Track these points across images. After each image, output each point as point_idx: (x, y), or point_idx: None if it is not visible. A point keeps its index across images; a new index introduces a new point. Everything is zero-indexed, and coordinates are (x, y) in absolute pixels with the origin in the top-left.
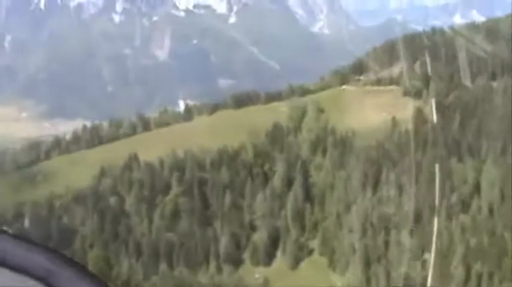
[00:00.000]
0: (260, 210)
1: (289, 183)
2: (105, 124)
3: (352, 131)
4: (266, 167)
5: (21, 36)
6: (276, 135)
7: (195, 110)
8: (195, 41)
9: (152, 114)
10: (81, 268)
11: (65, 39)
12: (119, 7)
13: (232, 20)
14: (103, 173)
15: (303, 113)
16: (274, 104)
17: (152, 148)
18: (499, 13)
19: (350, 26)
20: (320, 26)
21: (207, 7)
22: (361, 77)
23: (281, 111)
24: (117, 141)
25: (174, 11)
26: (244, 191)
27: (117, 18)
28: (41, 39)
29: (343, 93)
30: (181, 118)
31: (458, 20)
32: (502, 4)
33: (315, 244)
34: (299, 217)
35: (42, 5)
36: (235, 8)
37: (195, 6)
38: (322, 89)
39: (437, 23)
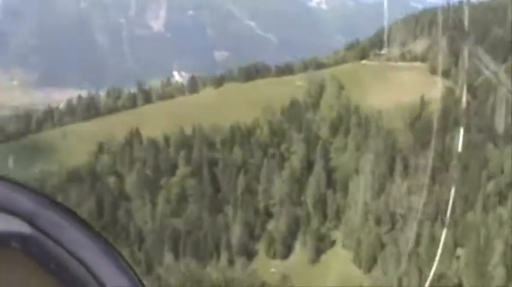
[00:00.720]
0: (277, 195)
1: (309, 166)
2: (102, 95)
3: (377, 111)
4: (283, 147)
5: (12, 1)
6: (294, 112)
7: (200, 81)
8: (190, 12)
9: (153, 84)
10: (68, 212)
11: (58, 7)
12: None
13: None
14: (101, 149)
15: (322, 89)
16: (288, 78)
17: (155, 123)
18: None
19: (348, 2)
20: (318, 0)
21: None
22: (383, 52)
23: (297, 86)
24: (116, 114)
25: None
26: (259, 174)
27: None
28: (33, 6)
29: (363, 68)
30: (185, 90)
31: None
32: None
33: (337, 234)
34: (320, 204)
35: None
36: None
37: None
38: (337, 63)
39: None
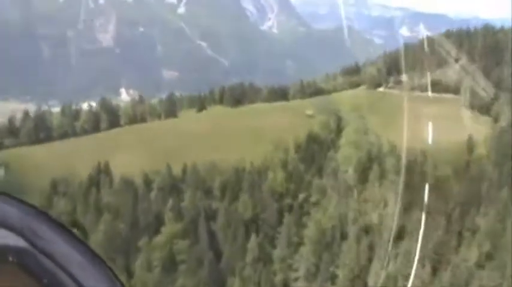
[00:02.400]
0: (301, 265)
1: (341, 224)
2: (55, 111)
3: (421, 152)
4: (301, 197)
5: None
6: (312, 151)
7: (177, 102)
8: (141, 29)
9: (121, 103)
10: (58, 224)
11: (4, 17)
12: None
13: (181, 10)
14: (54, 189)
15: (339, 121)
16: (291, 104)
17: (128, 156)
18: (444, 28)
19: (300, 27)
20: (269, 25)
21: None
22: (403, 79)
23: (307, 116)
24: (75, 139)
25: None
26: (275, 235)
27: None
28: None
29: (384, 98)
30: (162, 112)
31: (405, 32)
32: (447, 20)
33: None
34: (359, 279)
35: None
36: None
37: None
38: (336, 89)
39: (384, 33)
